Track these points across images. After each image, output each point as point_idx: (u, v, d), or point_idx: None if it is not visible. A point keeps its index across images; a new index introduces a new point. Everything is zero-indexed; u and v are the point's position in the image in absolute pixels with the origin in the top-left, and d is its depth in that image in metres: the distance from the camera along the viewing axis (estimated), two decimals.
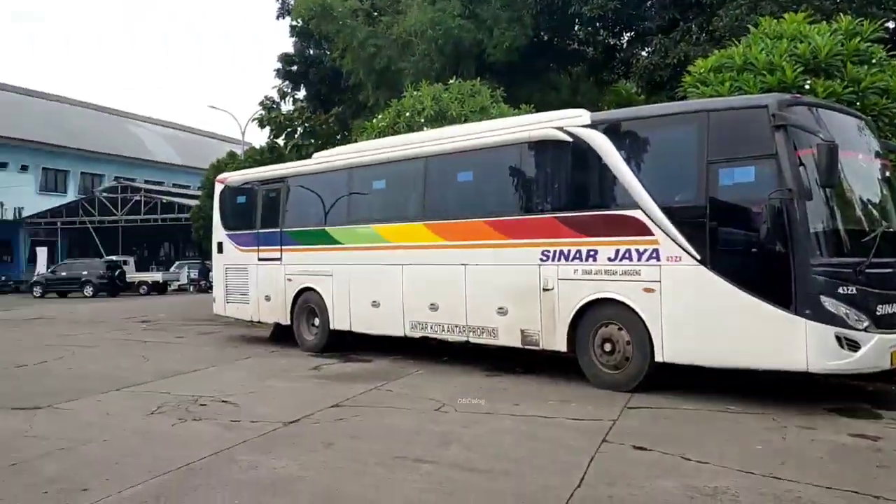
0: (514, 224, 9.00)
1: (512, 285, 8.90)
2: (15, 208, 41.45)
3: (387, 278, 10.42)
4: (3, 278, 38.30)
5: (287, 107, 24.58)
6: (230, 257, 13.56)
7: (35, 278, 34.92)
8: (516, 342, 8.94)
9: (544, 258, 8.59)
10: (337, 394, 8.22)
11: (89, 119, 48.96)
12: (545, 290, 8.56)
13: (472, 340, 9.49)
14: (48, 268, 36.35)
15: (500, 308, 9.03)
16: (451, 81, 14.93)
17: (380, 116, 15.22)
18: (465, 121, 13.16)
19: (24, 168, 42.79)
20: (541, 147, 8.84)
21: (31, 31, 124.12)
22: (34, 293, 33.35)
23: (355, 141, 15.41)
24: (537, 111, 12.66)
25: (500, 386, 8.59)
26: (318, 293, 11.66)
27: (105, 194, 40.69)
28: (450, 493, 4.81)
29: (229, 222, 13.82)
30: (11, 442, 6.30)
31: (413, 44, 18.93)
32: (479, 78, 15.58)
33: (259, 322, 13.40)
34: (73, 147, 44.84)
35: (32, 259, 39.59)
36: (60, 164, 45.39)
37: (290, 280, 12.16)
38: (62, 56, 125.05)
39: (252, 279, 12.97)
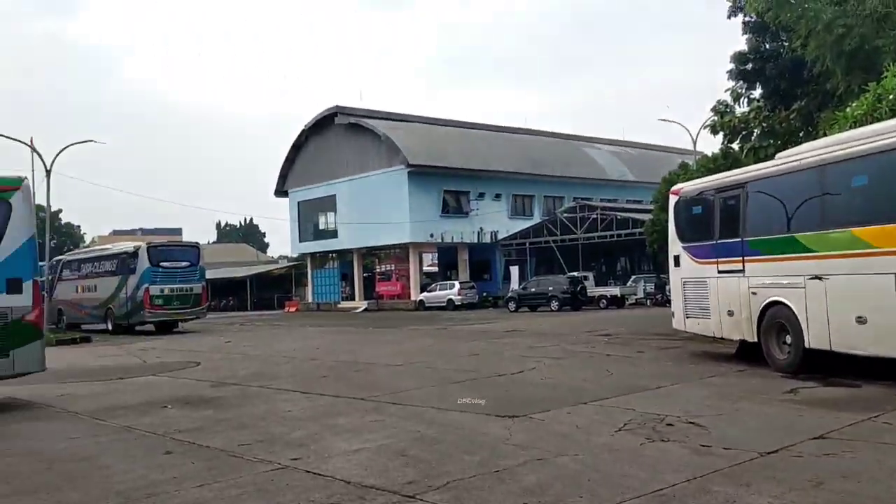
0: None
1: None
2: (491, 232, 47.44)
3: (876, 289, 8.89)
4: (484, 294, 44.04)
5: (741, 108, 23.11)
6: (687, 270, 13.18)
7: (509, 294, 39.39)
8: None
9: None
10: (820, 423, 7.19)
11: (548, 146, 53.32)
12: None
13: None
14: (520, 284, 40.49)
15: None
16: None
17: (854, 104, 13.28)
18: None
19: (497, 196, 48.81)
20: None
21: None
22: (509, 307, 37.40)
23: (823, 135, 13.70)
24: None
25: None
26: (788, 307, 10.52)
27: (565, 215, 43.91)
28: None
29: (685, 234, 13.48)
30: (496, 447, 6.80)
31: (892, 16, 16.18)
32: None
33: (721, 338, 12.67)
34: (537, 174, 49.51)
35: (506, 276, 44.77)
36: (527, 191, 50.46)
37: (754, 293, 11.23)
38: (509, 93, 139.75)
39: (712, 293, 12.37)
